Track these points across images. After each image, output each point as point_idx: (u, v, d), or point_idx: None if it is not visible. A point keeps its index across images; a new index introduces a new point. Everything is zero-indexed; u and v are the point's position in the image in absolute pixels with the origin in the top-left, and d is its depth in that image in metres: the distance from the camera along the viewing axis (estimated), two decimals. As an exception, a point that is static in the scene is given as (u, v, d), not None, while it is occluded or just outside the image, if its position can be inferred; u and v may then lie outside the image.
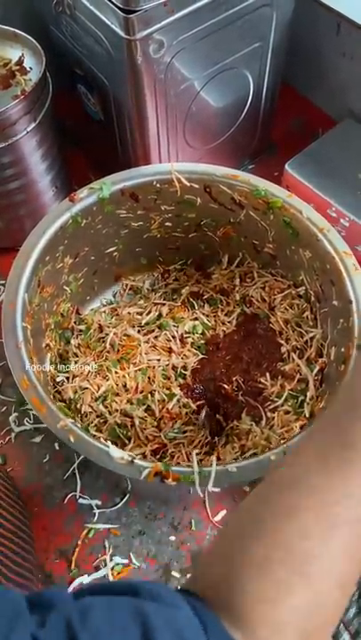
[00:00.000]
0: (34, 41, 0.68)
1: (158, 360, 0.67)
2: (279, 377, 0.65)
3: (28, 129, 0.67)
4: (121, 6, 0.55)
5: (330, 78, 0.91)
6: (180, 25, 0.61)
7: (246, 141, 0.88)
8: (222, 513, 0.65)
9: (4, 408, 0.72)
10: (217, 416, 0.64)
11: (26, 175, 0.71)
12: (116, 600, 0.27)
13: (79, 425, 0.49)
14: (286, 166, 0.82)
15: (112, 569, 0.63)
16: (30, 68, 0.69)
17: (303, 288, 0.67)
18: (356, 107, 0.90)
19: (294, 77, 0.94)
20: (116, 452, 0.47)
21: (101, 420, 0.64)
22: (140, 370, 0.66)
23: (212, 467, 0.46)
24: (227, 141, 0.83)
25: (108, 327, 0.71)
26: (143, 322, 0.71)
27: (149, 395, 0.64)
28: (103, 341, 0.70)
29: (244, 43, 0.70)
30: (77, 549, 0.64)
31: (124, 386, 0.66)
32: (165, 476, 0.46)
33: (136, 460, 0.46)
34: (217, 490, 0.48)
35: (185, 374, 0.67)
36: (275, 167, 0.87)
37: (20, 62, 0.69)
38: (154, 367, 0.67)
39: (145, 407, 0.64)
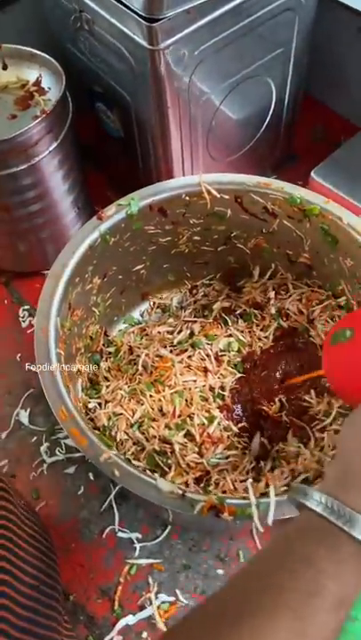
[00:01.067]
0: (52, 60, 0.67)
1: (194, 381, 0.64)
2: (325, 394, 0.61)
3: (50, 149, 0.65)
4: (145, 15, 0.53)
5: (352, 84, 0.89)
6: (202, 34, 0.59)
7: (268, 152, 0.85)
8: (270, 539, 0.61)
9: (35, 438, 0.69)
10: (261, 439, 0.61)
11: (48, 197, 0.69)
12: None
13: (123, 457, 0.45)
14: (313, 174, 0.80)
15: (158, 607, 0.59)
16: (49, 88, 0.67)
17: (344, 298, 0.64)
18: (380, 111, 0.87)
19: (315, 85, 0.92)
20: (165, 485, 0.43)
21: (138, 448, 0.60)
22: (176, 392, 0.63)
23: (271, 497, 0.42)
24: (249, 152, 0.81)
25: (139, 348, 0.68)
26: (175, 341, 0.68)
27: (188, 419, 0.61)
28: (135, 363, 0.67)
29: (266, 50, 0.68)
30: (120, 588, 0.60)
31: (160, 410, 0.62)
32: (220, 510, 0.42)
33: (188, 494, 0.43)
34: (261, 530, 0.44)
35: (223, 395, 0.64)
36: (298, 177, 0.85)
37: (37, 83, 0.68)
38: (190, 389, 0.63)
39: (184, 432, 0.60)
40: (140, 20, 0.54)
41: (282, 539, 0.32)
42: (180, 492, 0.43)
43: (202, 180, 0.61)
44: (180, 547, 0.62)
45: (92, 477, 0.66)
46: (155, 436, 0.60)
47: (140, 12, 0.54)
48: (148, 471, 0.55)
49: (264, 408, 0.63)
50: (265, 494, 0.47)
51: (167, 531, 0.63)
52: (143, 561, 0.61)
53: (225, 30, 0.60)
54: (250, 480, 0.48)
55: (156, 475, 0.44)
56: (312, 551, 0.29)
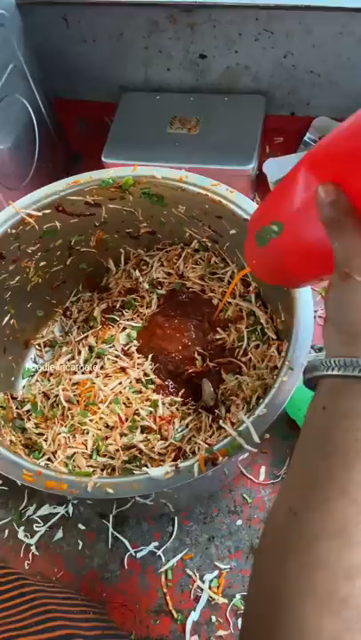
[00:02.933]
0: None
1: (120, 383, 0.64)
2: (229, 325, 0.66)
3: None
4: None
5: (86, 69, 0.93)
6: None
7: (54, 161, 0.87)
8: (263, 470, 0.65)
9: (7, 532, 0.65)
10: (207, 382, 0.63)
11: None
12: None
13: (106, 474, 0.45)
14: (103, 159, 0.83)
15: (210, 588, 0.59)
16: None
17: (195, 241, 0.68)
18: (125, 80, 0.93)
19: (61, 87, 0.95)
20: (156, 471, 0.44)
21: (109, 470, 0.60)
22: (111, 403, 0.63)
23: (245, 420, 0.45)
24: (38, 169, 0.81)
25: (53, 389, 0.67)
26: (81, 362, 0.68)
27: (136, 416, 0.61)
28: (58, 404, 0.65)
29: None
30: (168, 597, 0.59)
31: (107, 426, 0.62)
32: (214, 457, 0.44)
33: (181, 464, 0.44)
34: (254, 450, 0.47)
35: (151, 379, 0.65)
36: (93, 169, 0.87)
37: None
38: (121, 392, 0.64)
39: (140, 429, 0.61)
40: None
41: (318, 415, 0.32)
42: (173, 467, 0.44)
43: (17, 207, 0.60)
44: (195, 527, 0.63)
45: (82, 527, 0.64)
46: (117, 450, 0.60)
47: None
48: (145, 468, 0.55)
49: (189, 370, 0.65)
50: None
51: (176, 523, 0.63)
52: (172, 561, 0.61)
53: None
54: (220, 421, 0.50)
55: (145, 468, 0.45)
56: (353, 406, 0.30)
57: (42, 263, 0.67)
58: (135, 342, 0.67)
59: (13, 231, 0.61)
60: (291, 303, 0.53)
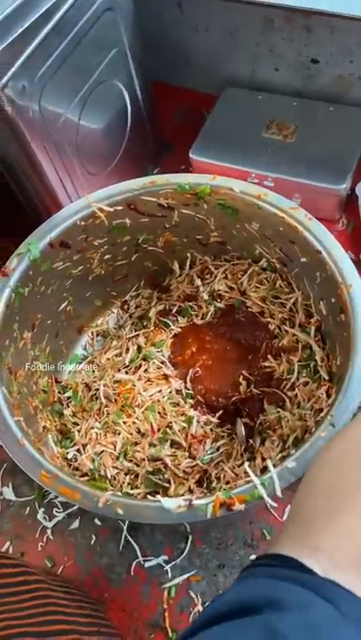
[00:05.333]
0: None
1: (160, 391, 0.63)
2: (281, 354, 0.63)
3: None
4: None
5: (194, 58, 0.91)
6: (33, 62, 0.58)
7: (142, 149, 0.86)
8: (288, 510, 0.62)
9: (28, 509, 0.67)
10: (242, 419, 0.61)
11: None
12: (247, 623, 0.26)
13: (120, 494, 0.44)
14: (191, 154, 0.81)
15: (210, 616, 0.58)
16: None
17: (264, 260, 0.65)
18: (230, 74, 0.89)
19: (163, 73, 0.93)
20: (169, 502, 0.43)
21: (132, 476, 0.59)
22: (147, 409, 0.62)
23: (271, 471, 0.43)
24: (124, 155, 0.81)
25: (95, 382, 0.67)
26: (127, 361, 0.67)
27: (168, 429, 0.61)
28: (97, 398, 0.66)
29: (101, 55, 0.68)
30: (166, 614, 0.59)
31: (139, 431, 0.62)
32: (230, 503, 0.42)
33: (194, 502, 0.43)
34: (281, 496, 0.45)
35: (192, 393, 0.64)
36: (180, 162, 0.86)
37: None
38: (159, 400, 0.63)
39: (169, 443, 0.60)
40: (-33, 67, 0.52)
41: None
42: (187, 502, 0.43)
43: (90, 200, 0.60)
44: (208, 550, 0.62)
45: (99, 523, 0.65)
46: (143, 459, 0.59)
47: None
48: (149, 495, 0.54)
49: (231, 395, 0.63)
50: (265, 469, 0.48)
51: (190, 541, 0.62)
52: (178, 579, 0.60)
53: (54, 50, 0.60)
54: (246, 463, 0.48)
55: (158, 496, 0.44)
56: None
57: (107, 256, 0.67)
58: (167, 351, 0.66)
59: (83, 223, 0.60)
60: (350, 345, 0.49)
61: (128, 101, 0.77)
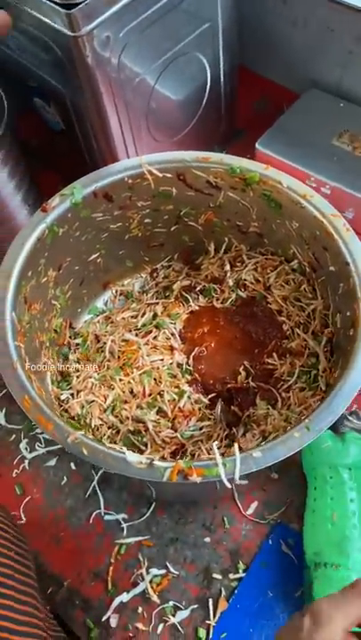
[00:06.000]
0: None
1: (162, 360, 0.65)
2: (287, 355, 0.63)
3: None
4: (62, 2, 0.54)
5: (286, 51, 0.90)
6: (124, 15, 0.59)
7: (212, 129, 0.86)
8: (254, 505, 0.63)
9: (14, 436, 0.70)
10: (232, 407, 0.62)
11: (-6, 197, 0.70)
12: None
13: (91, 437, 0.46)
14: (257, 145, 0.81)
15: (150, 582, 0.60)
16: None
17: (296, 261, 0.65)
18: (318, 75, 0.88)
19: (251, 59, 0.93)
20: (132, 456, 0.44)
21: (114, 431, 0.61)
22: (144, 373, 0.64)
23: (236, 454, 0.44)
24: (192, 131, 0.81)
25: (105, 336, 0.69)
26: (139, 324, 0.69)
27: (159, 396, 0.62)
28: (102, 351, 0.68)
29: (193, 25, 0.69)
30: (111, 568, 0.61)
31: (132, 392, 0.63)
32: (188, 473, 0.43)
33: (155, 462, 0.44)
34: (245, 482, 0.45)
35: (191, 370, 0.65)
36: (245, 151, 0.85)
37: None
38: (158, 368, 0.64)
39: (156, 410, 0.62)
40: (58, 7, 0.54)
41: None
42: (148, 461, 0.44)
43: (143, 162, 0.61)
44: (167, 521, 0.63)
45: (73, 467, 0.67)
46: (128, 418, 0.61)
47: (58, 0, 0.54)
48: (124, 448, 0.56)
49: (228, 382, 0.64)
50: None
51: (152, 508, 0.64)
52: (131, 539, 0.62)
53: (147, 9, 0.61)
54: (215, 443, 0.49)
55: (124, 448, 0.45)
56: None
57: (147, 220, 0.68)
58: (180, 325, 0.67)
59: (130, 181, 0.62)
60: (349, 358, 0.49)
61: (209, 79, 0.77)
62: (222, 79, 0.80)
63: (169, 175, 0.62)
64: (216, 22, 0.72)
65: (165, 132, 0.77)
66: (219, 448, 0.57)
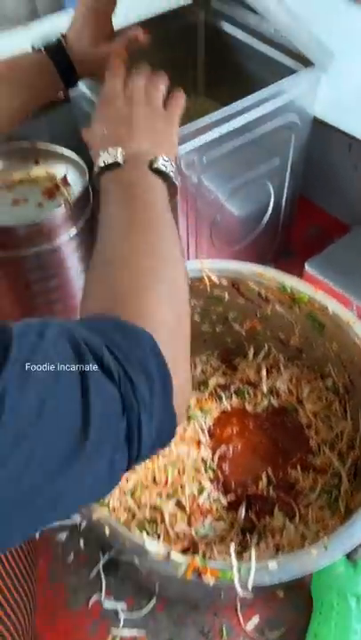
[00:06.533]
0: (78, 159, 0.76)
1: (188, 452, 0.67)
2: (310, 470, 0.64)
3: (70, 234, 0.72)
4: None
5: (344, 190, 0.99)
6: (211, 145, 0.68)
7: (267, 246, 0.94)
8: (255, 620, 0.62)
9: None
10: (249, 513, 0.63)
11: (64, 274, 0.76)
12: None
13: (113, 518, 0.48)
14: (306, 265, 0.87)
15: None
16: (73, 183, 0.77)
17: (331, 380, 0.68)
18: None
19: (312, 190, 1.02)
20: (151, 545, 0.46)
21: (130, 516, 0.62)
22: (169, 462, 0.65)
23: (252, 562, 0.45)
24: (249, 246, 0.89)
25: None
26: (172, 414, 0.72)
27: (180, 487, 0.63)
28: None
29: (266, 159, 0.78)
30: (101, 659, 0.60)
31: (154, 479, 0.65)
32: (203, 572, 0.44)
33: (173, 555, 0.45)
34: (250, 595, 0.46)
35: (214, 468, 0.67)
36: (294, 269, 0.92)
37: (64, 178, 0.77)
38: (183, 460, 0.66)
39: (175, 502, 0.63)
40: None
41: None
42: (166, 552, 0.45)
43: (203, 267, 0.68)
44: (165, 620, 0.62)
45: (82, 546, 0.68)
46: (146, 505, 0.62)
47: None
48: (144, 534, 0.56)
49: (249, 489, 0.65)
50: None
51: (153, 603, 0.63)
52: (127, 632, 0.61)
53: (228, 142, 0.70)
54: (233, 544, 0.50)
55: (144, 534, 0.47)
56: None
57: (195, 318, 0.73)
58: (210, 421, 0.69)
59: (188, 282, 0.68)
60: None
61: (272, 202, 0.86)
62: (283, 204, 0.88)
63: (225, 282, 0.68)
64: (287, 158, 0.81)
65: (225, 243, 0.85)
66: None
